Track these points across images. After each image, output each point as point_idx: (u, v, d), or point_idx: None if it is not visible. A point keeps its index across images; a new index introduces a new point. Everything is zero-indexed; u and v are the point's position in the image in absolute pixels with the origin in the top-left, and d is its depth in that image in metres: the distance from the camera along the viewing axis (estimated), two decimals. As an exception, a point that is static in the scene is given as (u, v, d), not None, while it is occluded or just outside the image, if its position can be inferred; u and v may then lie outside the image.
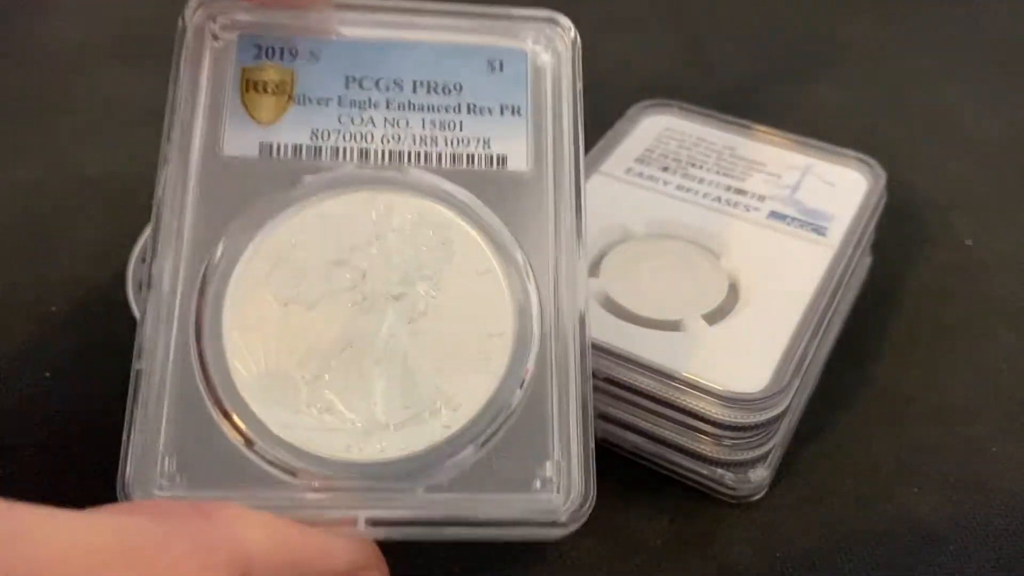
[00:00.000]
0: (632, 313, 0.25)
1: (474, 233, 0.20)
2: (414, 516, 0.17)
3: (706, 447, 0.23)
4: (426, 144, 0.20)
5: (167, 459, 0.17)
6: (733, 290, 0.26)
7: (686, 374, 0.22)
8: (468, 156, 0.20)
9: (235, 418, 0.18)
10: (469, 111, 0.21)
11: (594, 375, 0.23)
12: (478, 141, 0.20)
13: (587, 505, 0.18)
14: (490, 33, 0.21)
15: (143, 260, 0.30)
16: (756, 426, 0.22)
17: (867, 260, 0.30)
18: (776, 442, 0.24)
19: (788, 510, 0.24)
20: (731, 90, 0.40)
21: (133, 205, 0.32)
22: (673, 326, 0.24)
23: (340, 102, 0.20)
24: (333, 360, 0.18)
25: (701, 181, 0.29)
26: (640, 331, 0.24)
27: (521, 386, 0.19)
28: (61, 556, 0.13)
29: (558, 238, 0.20)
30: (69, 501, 0.14)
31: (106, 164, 0.34)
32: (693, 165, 0.29)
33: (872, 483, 0.24)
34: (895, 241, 0.31)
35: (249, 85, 0.20)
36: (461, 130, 0.20)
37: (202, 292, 0.18)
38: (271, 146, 0.20)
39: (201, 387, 0.18)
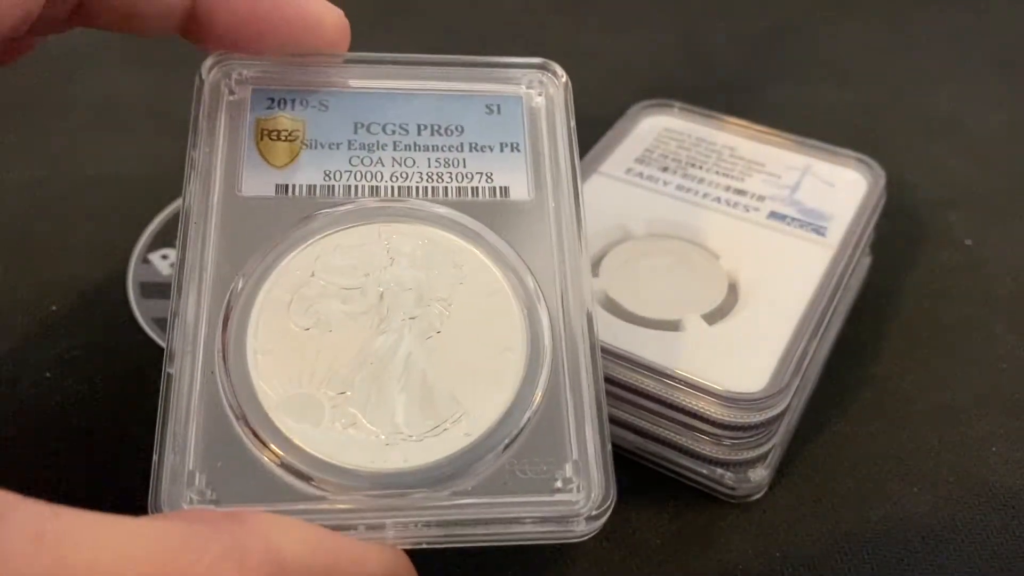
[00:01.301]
0: (632, 313, 0.25)
1: (483, 256, 0.21)
2: (440, 521, 0.18)
3: (706, 447, 0.23)
4: (432, 180, 0.21)
5: (198, 475, 0.18)
6: (733, 290, 0.26)
7: (686, 374, 0.22)
8: (472, 189, 0.22)
9: (262, 435, 0.18)
10: (471, 149, 0.22)
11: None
12: (481, 175, 0.22)
13: (609, 503, 0.18)
14: (487, 81, 0.23)
15: (143, 260, 0.30)
16: (756, 426, 0.22)
17: (867, 260, 0.30)
18: (776, 442, 0.24)
19: (788, 510, 0.24)
20: (731, 90, 0.40)
21: (133, 205, 0.32)
22: (673, 326, 0.24)
23: (350, 146, 0.22)
24: (354, 378, 0.19)
25: (701, 181, 0.29)
26: (640, 331, 0.24)
27: (536, 394, 0.19)
28: (100, 562, 0.14)
29: (562, 256, 0.21)
30: (69, 500, 0.14)
31: (106, 164, 0.34)
32: (693, 165, 0.29)
33: (872, 483, 0.24)
34: (895, 241, 0.31)
35: (263, 134, 0.22)
36: (465, 166, 0.22)
37: (226, 321, 0.19)
38: (286, 187, 0.21)
39: (228, 409, 0.19)
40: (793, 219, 0.27)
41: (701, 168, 0.29)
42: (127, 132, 0.36)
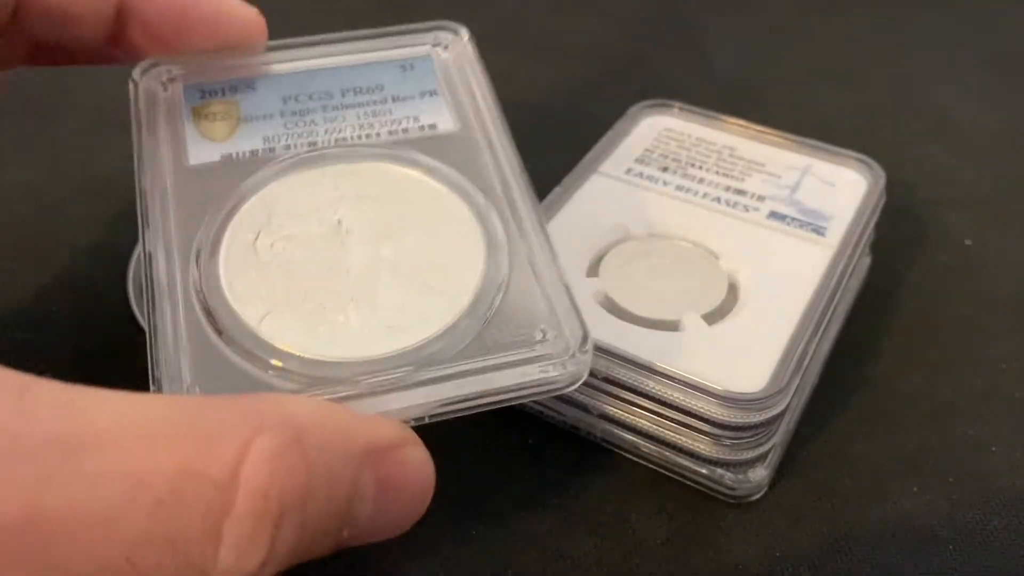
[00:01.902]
0: (631, 313, 0.25)
1: (425, 176, 0.23)
2: (435, 391, 0.19)
3: (705, 447, 0.23)
4: (364, 128, 0.24)
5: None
6: (732, 290, 0.26)
7: (685, 374, 0.22)
8: (402, 129, 0.24)
9: (252, 350, 0.19)
10: (394, 100, 0.24)
11: (593, 375, 0.23)
12: (407, 118, 0.24)
13: (588, 343, 0.20)
14: (397, 48, 0.25)
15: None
16: (755, 426, 0.22)
17: (866, 260, 0.30)
18: (776, 442, 0.24)
19: (788, 510, 0.24)
20: (731, 90, 0.40)
21: (133, 205, 0.32)
22: (672, 326, 0.24)
23: (282, 115, 0.24)
24: (330, 286, 0.20)
25: (701, 181, 0.29)
26: (639, 331, 0.24)
27: (502, 270, 0.21)
28: (115, 422, 0.14)
29: (499, 168, 0.23)
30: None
31: (106, 164, 0.34)
32: (693, 165, 0.29)
33: (872, 483, 0.24)
34: (895, 241, 0.31)
35: (201, 118, 0.23)
36: (391, 114, 0.24)
37: (197, 267, 0.21)
38: (231, 154, 0.23)
39: (215, 336, 0.20)
40: (793, 219, 0.27)
41: (701, 168, 0.29)
42: (127, 132, 0.36)
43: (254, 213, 0.22)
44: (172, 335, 0.19)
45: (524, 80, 0.40)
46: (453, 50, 0.25)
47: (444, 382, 0.19)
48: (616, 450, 0.25)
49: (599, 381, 0.23)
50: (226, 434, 0.15)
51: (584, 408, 0.24)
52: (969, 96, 0.39)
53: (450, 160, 0.23)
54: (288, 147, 0.23)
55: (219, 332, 0.20)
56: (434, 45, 0.25)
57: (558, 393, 0.20)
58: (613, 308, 0.25)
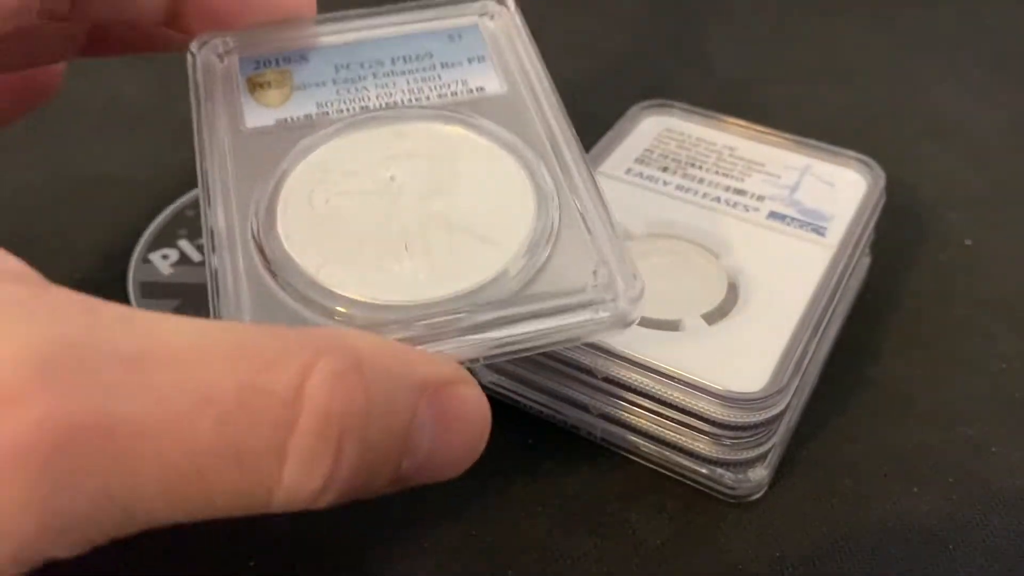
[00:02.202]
0: (632, 313, 0.25)
1: (474, 135, 0.23)
2: (490, 333, 0.19)
3: (705, 447, 0.23)
4: (414, 93, 0.24)
5: None
6: (733, 290, 0.26)
7: (685, 374, 0.22)
8: (452, 92, 0.24)
9: (312, 297, 0.20)
10: (443, 67, 0.25)
11: (593, 375, 0.23)
12: (456, 82, 0.24)
13: (638, 284, 0.20)
14: (444, 18, 0.26)
15: (144, 260, 0.30)
16: (755, 426, 0.22)
17: (866, 260, 0.30)
18: (775, 442, 0.24)
19: (788, 510, 0.24)
20: (731, 90, 0.40)
21: (133, 205, 0.32)
22: (672, 326, 0.24)
23: (334, 82, 0.24)
24: (385, 236, 0.21)
25: (701, 181, 0.29)
26: (639, 331, 0.24)
27: (553, 220, 0.21)
28: (179, 340, 0.15)
29: (547, 125, 0.23)
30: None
31: (106, 164, 0.34)
32: (693, 165, 0.29)
33: (872, 483, 0.24)
34: (894, 241, 0.31)
35: (255, 87, 0.24)
36: (440, 79, 0.24)
37: (256, 220, 0.21)
38: (285, 119, 0.23)
39: (275, 285, 0.20)
40: (793, 219, 0.27)
41: (701, 168, 0.29)
42: (127, 132, 0.36)
43: (309, 171, 0.22)
44: (232, 280, 0.20)
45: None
46: (499, 20, 0.26)
47: (498, 326, 0.19)
48: (616, 450, 0.25)
49: (599, 381, 0.23)
50: (288, 355, 0.15)
51: (584, 408, 0.24)
52: (969, 96, 0.39)
53: (499, 119, 0.23)
54: (341, 111, 0.23)
55: (276, 278, 0.20)
56: (480, 15, 0.26)
57: (609, 335, 0.20)
58: (613, 308, 0.25)
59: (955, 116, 0.38)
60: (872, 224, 0.28)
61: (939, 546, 0.23)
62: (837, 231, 0.27)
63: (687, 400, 0.22)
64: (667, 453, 0.24)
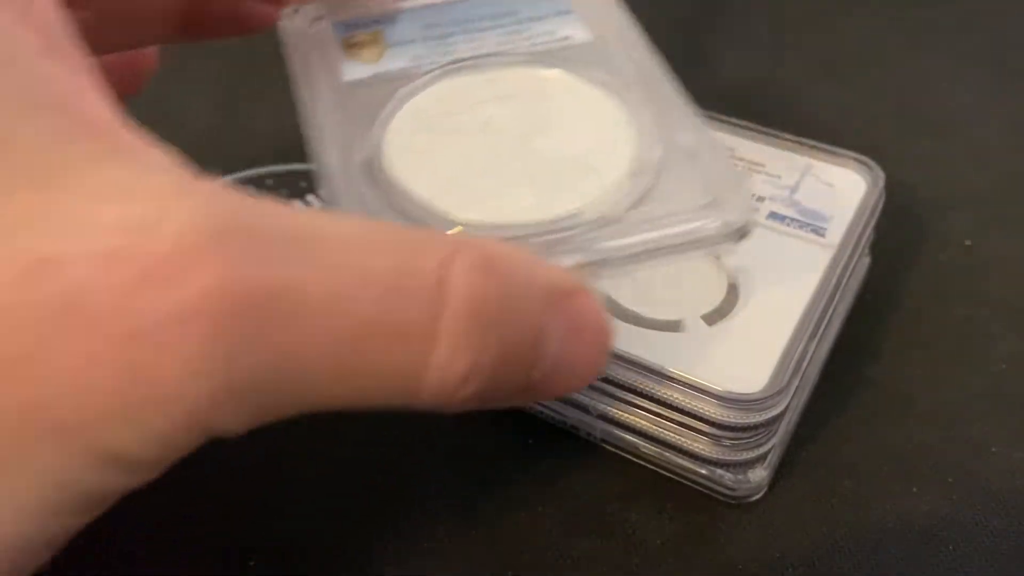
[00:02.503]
0: (632, 313, 0.25)
1: (568, 76, 0.24)
2: (604, 248, 0.20)
3: (705, 447, 0.23)
4: (504, 44, 0.25)
5: None
6: (732, 290, 0.26)
7: (685, 374, 0.22)
8: (541, 42, 0.25)
9: (429, 223, 0.20)
10: (529, 21, 0.26)
11: (593, 375, 0.23)
12: (544, 33, 0.25)
13: (750, 197, 0.21)
14: None
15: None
16: (755, 426, 0.22)
17: (866, 260, 0.30)
18: (775, 442, 0.24)
19: (788, 510, 0.24)
20: (731, 90, 0.40)
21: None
22: (672, 326, 0.24)
23: (425, 39, 0.25)
24: (493, 167, 0.22)
25: (701, 181, 0.29)
26: (639, 331, 0.24)
27: (656, 148, 0.22)
28: (332, 226, 0.15)
29: (639, 65, 0.24)
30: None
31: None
32: (693, 165, 0.29)
33: (872, 483, 0.24)
34: (894, 242, 0.31)
35: (349, 47, 0.25)
36: (528, 32, 0.25)
37: (367, 156, 0.22)
38: (382, 72, 0.24)
39: (389, 213, 0.21)
40: (792, 219, 0.27)
41: (701, 168, 0.29)
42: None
43: (411, 114, 0.23)
44: (346, 208, 0.21)
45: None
46: None
47: (611, 237, 0.20)
48: (616, 450, 0.25)
49: (599, 381, 0.23)
50: (430, 247, 0.15)
51: (584, 408, 0.24)
52: (970, 96, 0.39)
53: (590, 62, 0.24)
54: (435, 63, 0.24)
55: (391, 205, 0.21)
56: None
57: (722, 247, 0.20)
58: (614, 308, 0.25)
59: (955, 116, 0.38)
60: (872, 224, 0.28)
61: (939, 546, 0.23)
62: (837, 231, 0.27)
63: (687, 401, 0.22)
64: (667, 454, 0.24)
